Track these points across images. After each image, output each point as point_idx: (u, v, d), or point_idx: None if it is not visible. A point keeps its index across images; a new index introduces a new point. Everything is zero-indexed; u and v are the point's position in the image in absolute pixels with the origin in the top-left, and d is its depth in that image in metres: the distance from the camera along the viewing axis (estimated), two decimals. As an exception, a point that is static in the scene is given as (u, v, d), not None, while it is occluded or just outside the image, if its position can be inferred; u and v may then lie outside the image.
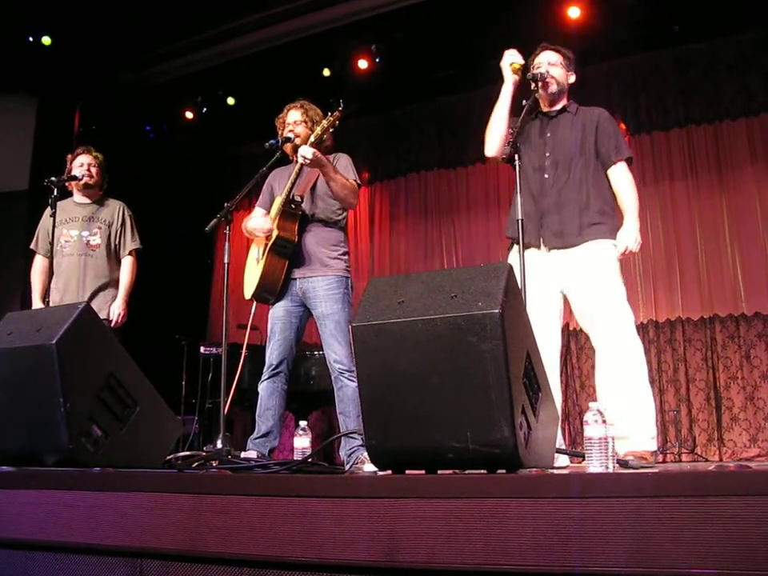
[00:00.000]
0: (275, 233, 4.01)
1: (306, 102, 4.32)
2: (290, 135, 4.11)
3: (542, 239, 3.62)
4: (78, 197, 5.05)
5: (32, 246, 5.06)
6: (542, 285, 3.57)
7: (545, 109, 3.85)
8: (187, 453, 3.11)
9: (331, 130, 4.05)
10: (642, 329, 7.26)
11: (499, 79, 3.81)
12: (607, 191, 3.71)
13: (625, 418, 3.31)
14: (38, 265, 4.98)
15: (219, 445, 3.19)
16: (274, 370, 4.10)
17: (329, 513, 1.84)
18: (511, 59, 3.73)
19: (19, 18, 6.95)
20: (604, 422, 2.11)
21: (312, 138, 3.97)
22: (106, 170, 5.13)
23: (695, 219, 7.29)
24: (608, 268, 3.56)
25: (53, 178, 4.80)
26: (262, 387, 4.10)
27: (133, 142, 8.43)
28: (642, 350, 3.52)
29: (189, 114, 8.65)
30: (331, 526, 1.82)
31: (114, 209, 5.02)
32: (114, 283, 4.91)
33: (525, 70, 3.76)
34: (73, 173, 4.96)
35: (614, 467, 2.11)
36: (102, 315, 4.63)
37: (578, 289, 3.59)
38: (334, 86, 7.70)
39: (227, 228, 3.67)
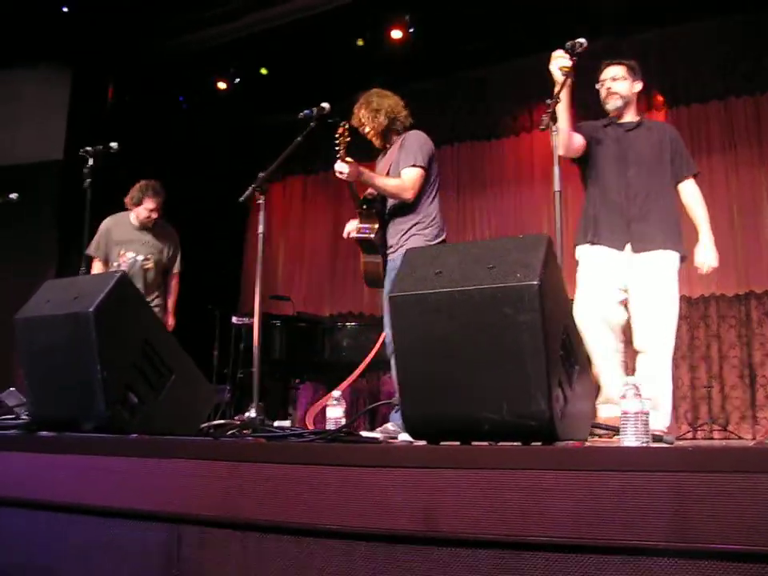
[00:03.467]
0: (354, 236, 4.21)
1: (369, 94, 4.31)
2: (325, 105, 4.07)
3: (629, 245, 3.85)
4: (135, 220, 5.40)
5: (90, 252, 5.29)
6: (610, 281, 3.83)
7: (617, 120, 4.03)
8: (221, 421, 3.13)
9: (347, 141, 4.01)
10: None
11: (543, 71, 3.78)
12: (677, 201, 3.99)
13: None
14: (100, 269, 5.35)
15: (253, 414, 3.20)
16: None
17: (366, 482, 1.84)
18: (559, 63, 3.69)
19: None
20: (639, 395, 2.09)
21: (339, 153, 3.98)
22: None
23: (733, 193, 7.17)
24: (671, 279, 3.84)
25: (88, 148, 4.86)
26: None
27: (166, 113, 8.46)
28: (672, 354, 3.81)
29: (222, 85, 8.64)
30: (369, 495, 1.83)
31: (167, 236, 5.50)
32: (157, 299, 5.43)
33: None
34: (138, 213, 5.34)
35: (649, 442, 2.09)
36: None
37: (639, 289, 3.83)
38: (367, 56, 7.67)
39: (262, 198, 3.66)
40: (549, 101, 3.58)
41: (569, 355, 2.12)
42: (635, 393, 2.07)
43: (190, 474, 2.12)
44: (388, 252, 4.20)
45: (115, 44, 7.72)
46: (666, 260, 3.85)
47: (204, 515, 2.09)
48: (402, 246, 4.08)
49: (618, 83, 3.99)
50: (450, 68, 8.39)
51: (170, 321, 5.51)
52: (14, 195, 5.07)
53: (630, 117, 4.03)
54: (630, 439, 2.05)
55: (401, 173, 4.11)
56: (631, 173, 3.90)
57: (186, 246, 5.76)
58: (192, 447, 2.22)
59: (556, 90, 3.75)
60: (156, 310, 5.23)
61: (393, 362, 3.96)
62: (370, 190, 4.24)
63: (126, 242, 5.37)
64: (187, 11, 7.57)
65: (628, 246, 3.85)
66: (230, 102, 8.76)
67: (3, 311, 3.60)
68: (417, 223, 4.15)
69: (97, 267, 5.37)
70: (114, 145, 4.90)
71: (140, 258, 5.35)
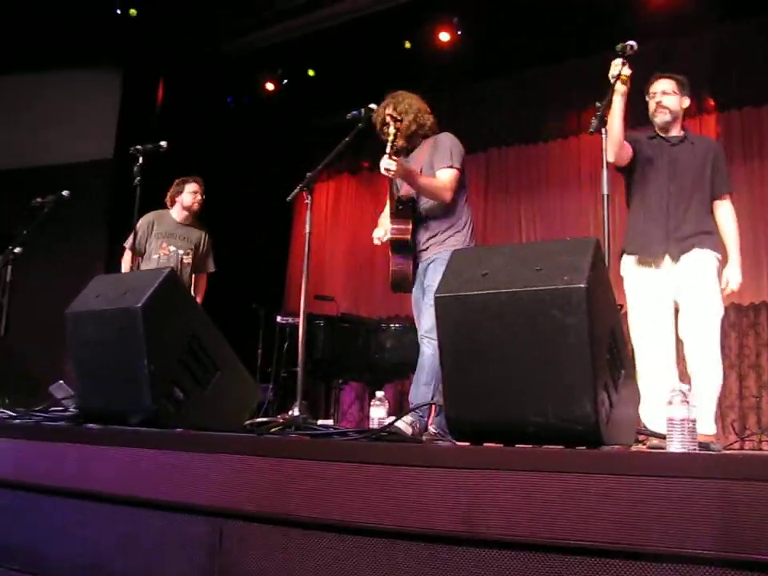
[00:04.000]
0: (388, 236, 4.13)
1: (395, 95, 4.28)
2: (373, 106, 4.08)
3: (668, 255, 3.88)
4: (178, 215, 5.57)
5: (126, 244, 5.43)
6: (660, 297, 3.87)
7: (663, 134, 4.05)
8: (264, 419, 3.15)
9: (396, 138, 3.97)
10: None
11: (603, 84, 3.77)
12: (713, 218, 4.04)
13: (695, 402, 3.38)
14: (130, 262, 5.46)
15: (296, 412, 3.21)
16: None
17: (409, 481, 1.84)
18: (618, 70, 3.67)
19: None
20: (686, 402, 2.05)
21: (387, 150, 3.92)
22: None
23: (788, 200, 7.03)
24: (712, 279, 3.86)
25: (138, 147, 4.93)
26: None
27: (215, 113, 8.55)
28: (719, 338, 3.81)
29: (270, 86, 8.71)
30: (411, 495, 1.83)
31: (201, 234, 5.62)
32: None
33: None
34: (183, 200, 5.54)
35: (695, 449, 2.05)
36: None
37: (684, 296, 3.86)
38: (415, 58, 7.67)
39: (309, 198, 3.68)
40: (598, 104, 3.56)
41: (615, 359, 2.10)
42: (682, 399, 2.04)
43: (234, 469, 2.14)
44: (420, 254, 4.13)
45: (166, 45, 7.84)
46: (705, 259, 3.87)
47: (247, 510, 2.10)
48: (439, 250, 4.03)
49: (667, 98, 4.00)
50: (497, 70, 8.35)
51: None
52: (65, 193, 5.19)
53: (676, 131, 4.05)
54: (675, 446, 2.02)
55: (437, 174, 4.07)
56: (673, 188, 3.94)
57: (232, 245, 5.87)
58: (236, 443, 2.24)
59: (612, 97, 3.74)
60: None
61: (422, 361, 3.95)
62: (405, 190, 4.18)
63: (169, 235, 5.50)
64: (236, 14, 7.66)
65: (667, 258, 3.88)
66: (277, 103, 8.83)
67: (54, 306, 3.67)
68: (452, 226, 4.12)
69: (127, 259, 5.48)
70: (163, 143, 4.97)
71: (181, 251, 5.49)
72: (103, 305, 2.82)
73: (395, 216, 4.17)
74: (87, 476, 2.45)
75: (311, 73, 8.46)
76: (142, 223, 5.45)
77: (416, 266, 4.16)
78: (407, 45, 7.76)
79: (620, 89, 3.71)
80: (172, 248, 5.47)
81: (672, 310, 3.91)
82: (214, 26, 7.88)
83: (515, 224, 8.41)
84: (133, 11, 7.44)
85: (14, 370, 3.86)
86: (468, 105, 8.75)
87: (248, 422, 2.91)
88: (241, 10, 7.59)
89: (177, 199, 5.57)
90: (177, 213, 5.58)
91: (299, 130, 9.37)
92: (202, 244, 5.63)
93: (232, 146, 8.44)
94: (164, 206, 5.63)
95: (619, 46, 3.64)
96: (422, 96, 4.28)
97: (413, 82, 4.21)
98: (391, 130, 3.94)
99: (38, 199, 5.25)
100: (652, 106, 4.03)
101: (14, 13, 7.21)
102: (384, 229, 4.24)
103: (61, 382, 4.21)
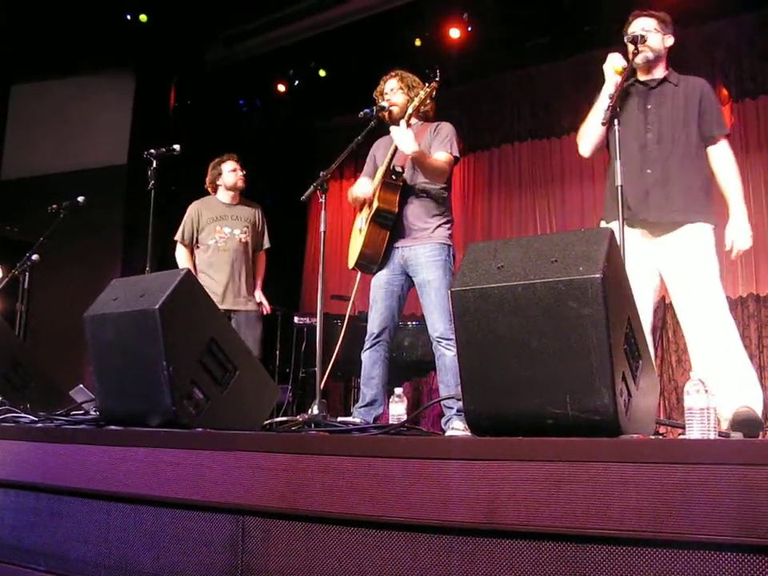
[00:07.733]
0: (376, 204, 4.03)
1: (400, 70, 4.31)
2: (385, 104, 4.11)
3: (646, 214, 3.56)
4: (224, 197, 5.58)
5: (177, 237, 5.49)
6: (640, 263, 3.51)
7: (642, 77, 3.75)
8: (284, 418, 3.17)
9: (428, 101, 4.03)
10: (741, 303, 7.03)
11: (599, 78, 3.72)
12: (706, 167, 3.64)
13: (734, 385, 3.28)
14: (185, 254, 5.51)
15: (315, 411, 3.23)
16: (375, 338, 4.12)
17: (429, 474, 1.84)
18: (615, 61, 3.62)
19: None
20: (706, 391, 2.05)
21: (409, 110, 3.95)
22: None
23: (802, 188, 6.98)
24: (707, 254, 3.49)
25: (152, 151, 4.98)
26: (365, 356, 4.14)
27: (226, 116, 8.59)
28: (736, 329, 3.48)
29: (281, 87, 8.74)
30: (431, 488, 1.83)
31: (254, 210, 5.64)
32: (252, 274, 5.57)
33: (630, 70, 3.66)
34: (225, 180, 5.54)
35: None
36: (250, 305, 5.49)
37: (675, 271, 3.55)
38: (425, 56, 7.67)
39: (323, 197, 3.70)
40: (609, 95, 3.53)
41: (632, 349, 2.10)
42: (701, 389, 2.04)
43: (255, 466, 2.15)
44: (405, 238, 4.09)
45: (177, 49, 7.89)
46: (698, 238, 3.50)
47: (268, 507, 2.11)
48: (428, 242, 4.03)
49: (648, 35, 3.66)
50: (507, 66, 8.36)
51: (263, 298, 5.62)
52: (80, 199, 5.28)
53: (658, 73, 3.72)
54: (695, 435, 2.02)
55: (436, 155, 4.07)
56: (650, 135, 3.60)
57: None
58: (256, 440, 2.25)
59: (603, 87, 3.66)
60: (246, 288, 5.42)
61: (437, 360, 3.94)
62: (401, 161, 4.13)
63: (221, 218, 5.48)
64: (246, 15, 7.69)
65: (649, 229, 3.57)
66: (289, 104, 8.85)
67: (72, 310, 3.70)
68: (442, 214, 4.11)
69: (181, 253, 5.49)
70: (176, 147, 5.01)
71: (237, 231, 5.45)
72: (121, 307, 2.84)
73: (384, 187, 4.08)
74: (110, 477, 2.47)
75: (322, 73, 8.48)
76: (189, 213, 5.51)
77: (391, 245, 4.11)
78: (417, 42, 7.76)
79: (612, 78, 3.58)
80: (227, 229, 5.43)
81: (654, 279, 3.59)
82: (223, 29, 7.93)
83: (530, 219, 8.41)
84: (143, 17, 7.50)
85: (33, 375, 3.89)
86: (479, 101, 8.76)
87: (268, 421, 2.93)
88: (250, 12, 7.63)
89: (218, 182, 5.58)
90: (222, 195, 5.58)
91: (311, 130, 9.39)
92: (257, 219, 5.62)
93: (244, 148, 8.46)
94: (184, 208, 5.63)
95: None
96: (436, 92, 4.30)
97: (424, 79, 4.23)
98: (421, 93, 3.95)
99: (54, 206, 5.32)
100: (631, 47, 3.62)
101: (26, 22, 7.28)
102: (368, 185, 4.18)
103: (80, 386, 4.25)
